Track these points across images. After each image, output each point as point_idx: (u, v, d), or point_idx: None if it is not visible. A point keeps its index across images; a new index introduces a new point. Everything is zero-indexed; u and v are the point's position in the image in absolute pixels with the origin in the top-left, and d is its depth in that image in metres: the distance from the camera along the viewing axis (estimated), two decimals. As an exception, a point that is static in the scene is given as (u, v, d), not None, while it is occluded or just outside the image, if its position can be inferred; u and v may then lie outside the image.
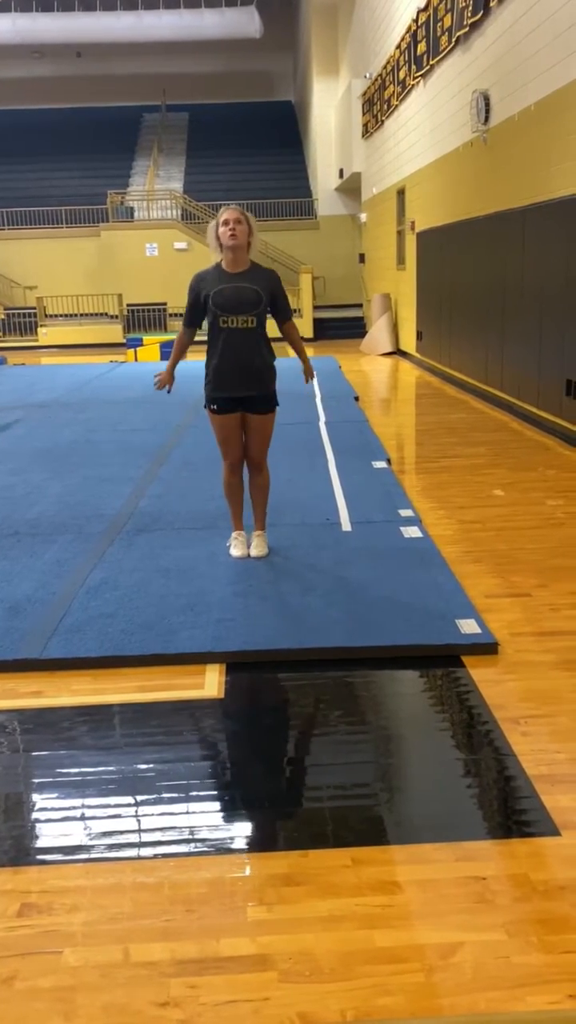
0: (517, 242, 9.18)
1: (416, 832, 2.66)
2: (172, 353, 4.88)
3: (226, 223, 4.50)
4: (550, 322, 8.35)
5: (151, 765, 3.07)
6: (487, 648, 3.79)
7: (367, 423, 9.08)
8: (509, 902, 2.33)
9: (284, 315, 4.75)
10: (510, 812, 2.77)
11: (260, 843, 2.66)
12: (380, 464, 7.17)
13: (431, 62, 12.50)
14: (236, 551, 4.95)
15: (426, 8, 12.56)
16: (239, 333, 4.56)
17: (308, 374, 5.03)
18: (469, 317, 11.35)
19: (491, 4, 9.65)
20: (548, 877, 2.42)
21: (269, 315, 4.68)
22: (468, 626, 3.94)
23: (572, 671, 3.63)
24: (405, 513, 5.73)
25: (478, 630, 3.90)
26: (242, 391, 4.69)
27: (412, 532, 5.33)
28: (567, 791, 2.80)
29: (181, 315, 4.90)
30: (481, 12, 9.95)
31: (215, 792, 2.95)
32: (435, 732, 3.28)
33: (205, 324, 4.75)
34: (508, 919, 2.27)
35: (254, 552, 4.93)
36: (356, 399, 10.80)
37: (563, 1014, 1.99)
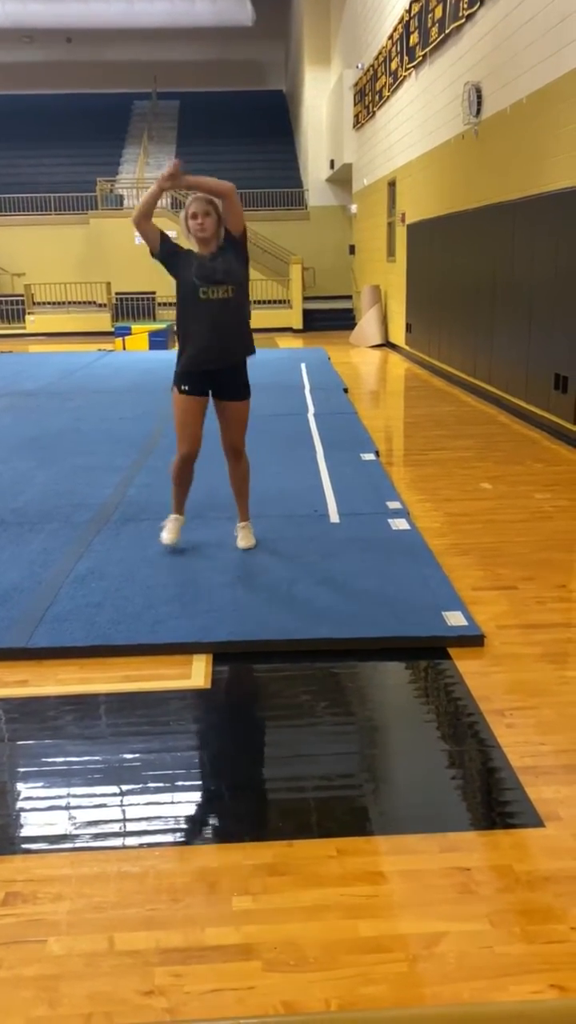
0: (507, 235, 9.18)
1: (401, 823, 2.68)
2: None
3: (194, 216, 4.44)
4: (539, 316, 8.36)
5: (137, 755, 3.07)
6: (473, 640, 3.80)
7: (356, 415, 9.07)
8: (493, 893, 2.35)
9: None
10: (494, 803, 2.78)
11: (245, 833, 2.66)
12: (368, 456, 7.17)
13: (423, 53, 12.46)
14: (168, 535, 4.86)
15: (419, -1, 12.53)
16: (218, 304, 4.52)
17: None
18: (458, 310, 11.35)
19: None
20: (531, 868, 2.44)
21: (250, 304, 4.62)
22: (455, 618, 3.95)
23: (557, 663, 3.65)
24: (393, 505, 5.74)
25: (464, 622, 3.92)
26: (219, 363, 4.62)
27: (400, 524, 5.34)
28: (551, 783, 2.82)
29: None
30: (478, 4, 9.92)
31: (201, 782, 2.95)
32: (421, 724, 3.29)
33: (175, 311, 4.62)
34: (491, 909, 2.29)
35: (240, 544, 4.93)
36: (345, 391, 10.80)
37: (545, 1003, 2.01)
